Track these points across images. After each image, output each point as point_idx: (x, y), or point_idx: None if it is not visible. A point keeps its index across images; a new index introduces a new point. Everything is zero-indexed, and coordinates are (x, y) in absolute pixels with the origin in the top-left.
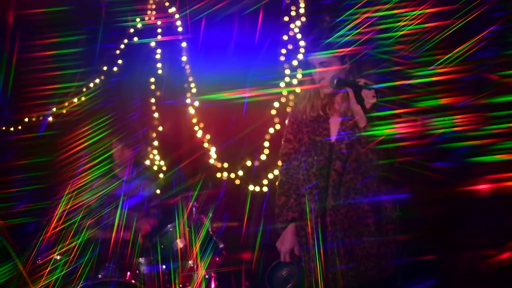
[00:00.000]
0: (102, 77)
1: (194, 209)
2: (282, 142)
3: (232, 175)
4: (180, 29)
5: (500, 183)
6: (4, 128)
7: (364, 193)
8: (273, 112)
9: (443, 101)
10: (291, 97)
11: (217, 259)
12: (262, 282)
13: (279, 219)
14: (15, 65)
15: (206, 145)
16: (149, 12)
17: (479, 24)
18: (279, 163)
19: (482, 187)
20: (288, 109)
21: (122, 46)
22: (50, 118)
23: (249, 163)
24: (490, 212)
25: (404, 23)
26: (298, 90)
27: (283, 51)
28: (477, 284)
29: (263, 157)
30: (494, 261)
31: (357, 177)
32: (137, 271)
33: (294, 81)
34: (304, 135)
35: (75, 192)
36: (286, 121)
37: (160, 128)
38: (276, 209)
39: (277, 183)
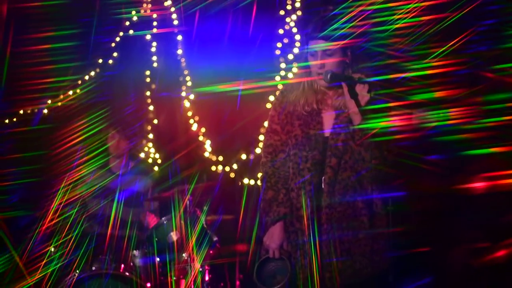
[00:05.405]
0: (97, 70)
1: (189, 202)
2: (266, 133)
3: (227, 169)
4: (175, 22)
5: (494, 181)
6: None
7: (358, 190)
8: (268, 105)
9: (437, 94)
10: None
11: (211, 252)
12: (251, 277)
13: (269, 215)
14: (9, 58)
15: (201, 138)
16: (144, 5)
17: (473, 18)
18: (262, 154)
19: (477, 185)
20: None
21: (117, 39)
22: (45, 111)
23: (244, 156)
24: (483, 207)
25: (399, 16)
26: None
27: (279, 45)
28: (470, 279)
29: (258, 150)
30: (487, 259)
31: (352, 174)
32: (132, 264)
33: (290, 75)
34: (296, 128)
35: (71, 186)
36: (271, 111)
37: (155, 121)
38: (263, 203)
39: (261, 176)
